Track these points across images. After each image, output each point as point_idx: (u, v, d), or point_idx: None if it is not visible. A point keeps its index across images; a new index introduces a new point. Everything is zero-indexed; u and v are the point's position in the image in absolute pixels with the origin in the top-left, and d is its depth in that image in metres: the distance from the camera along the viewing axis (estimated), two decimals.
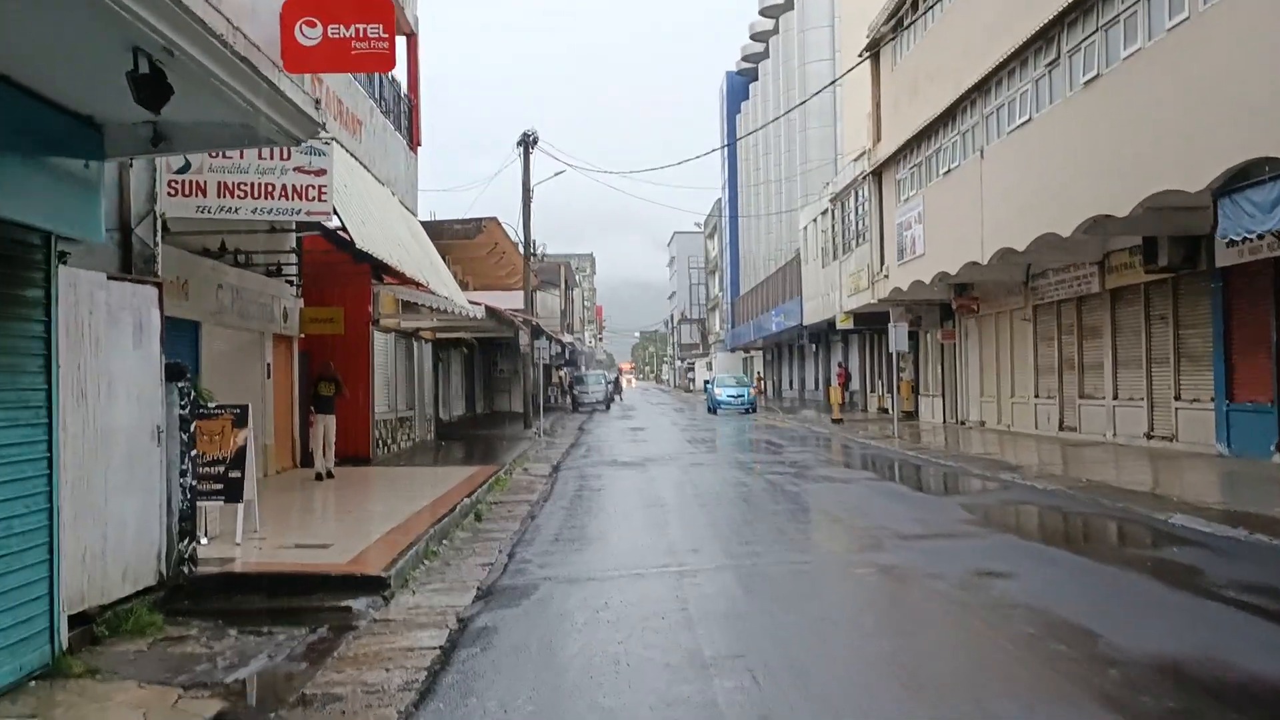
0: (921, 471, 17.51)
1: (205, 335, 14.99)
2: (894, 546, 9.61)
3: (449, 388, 35.99)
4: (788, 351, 60.09)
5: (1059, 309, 23.10)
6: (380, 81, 17.27)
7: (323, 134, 8.16)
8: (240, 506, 10.17)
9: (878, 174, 29.66)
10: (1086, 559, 8.97)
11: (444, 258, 34.08)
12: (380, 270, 19.78)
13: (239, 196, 8.61)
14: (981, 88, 21.10)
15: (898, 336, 25.28)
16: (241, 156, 8.53)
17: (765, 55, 59.92)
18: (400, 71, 19.17)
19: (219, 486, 10.12)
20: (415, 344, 25.84)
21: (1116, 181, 15.48)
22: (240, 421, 10.36)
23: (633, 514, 12.85)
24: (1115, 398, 20.50)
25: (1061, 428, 22.87)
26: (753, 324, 60.26)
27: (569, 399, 54.28)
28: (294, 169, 8.63)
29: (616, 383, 66.57)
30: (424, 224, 30.56)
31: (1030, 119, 18.92)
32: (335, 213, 10.89)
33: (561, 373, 72.02)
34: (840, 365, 43.68)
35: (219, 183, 8.54)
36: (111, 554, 7.47)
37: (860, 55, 29.24)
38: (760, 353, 69.51)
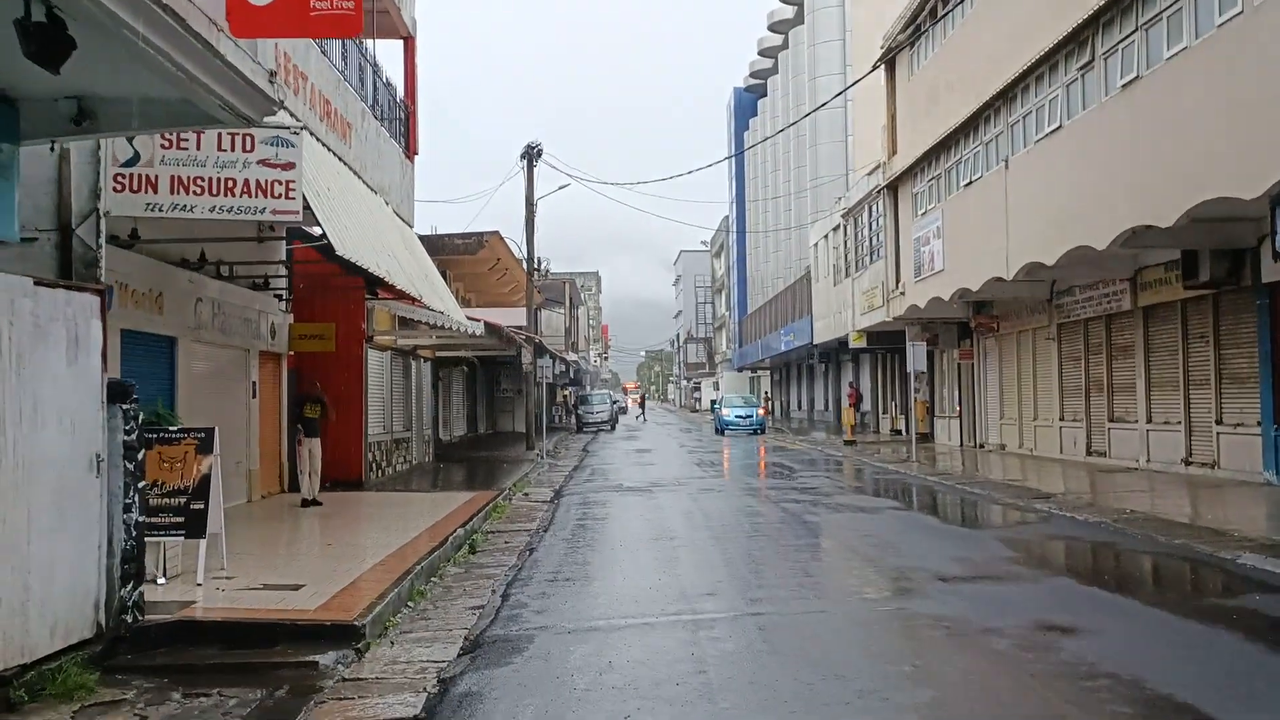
0: (947, 500, 16.41)
1: (183, 352, 14.01)
2: (936, 592, 8.52)
3: (450, 408, 34.97)
4: (796, 371, 59.00)
5: (1086, 328, 22.03)
6: (374, 85, 16.34)
7: (291, 121, 7.18)
8: (202, 543, 9.11)
9: (893, 188, 28.67)
10: (1161, 610, 7.86)
11: (445, 274, 33.13)
12: (374, 284, 18.82)
13: (195, 193, 7.59)
14: (1006, 95, 20.12)
15: (915, 356, 24.22)
16: (199, 147, 7.53)
17: (774, 71, 59.14)
18: (396, 76, 18.25)
19: (179, 520, 9.07)
20: (413, 362, 24.83)
21: (1159, 190, 14.44)
22: (205, 447, 9.32)
23: (639, 548, 11.76)
24: (1149, 421, 19.39)
25: (1089, 452, 21.75)
26: (760, 343, 59.21)
27: (574, 419, 53.21)
28: (259, 162, 7.62)
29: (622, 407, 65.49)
30: (423, 238, 29.59)
31: (1060, 126, 17.91)
32: (315, 218, 9.89)
33: (566, 392, 71.03)
34: (851, 385, 42.52)
35: (172, 177, 7.54)
36: (36, 605, 6.42)
37: (875, 65, 28.28)
38: (768, 372, 68.42)
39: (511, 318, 32.58)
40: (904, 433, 36.05)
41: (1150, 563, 10.33)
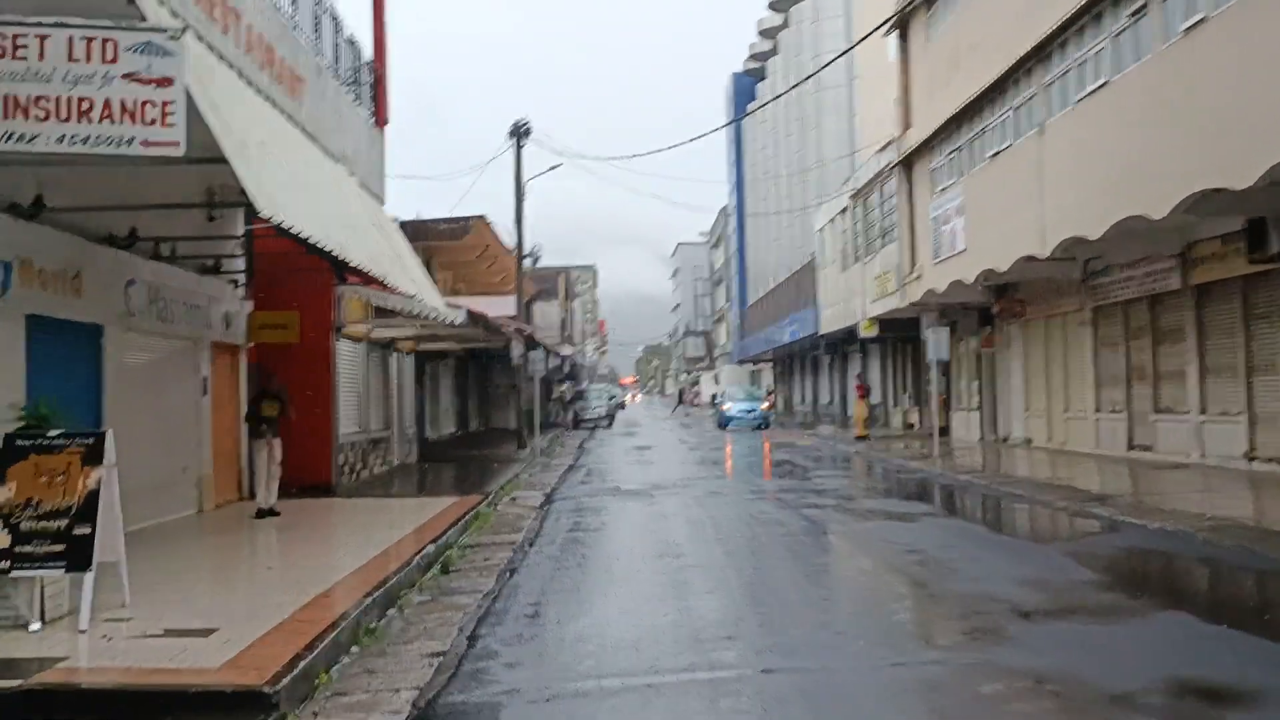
0: (987, 503, 14.54)
1: (110, 342, 12.10)
2: (1022, 633, 6.65)
3: (437, 404, 33.08)
4: (799, 363, 57.09)
5: (1125, 310, 20.14)
6: (334, 41, 14.42)
7: (171, 23, 5.27)
8: (88, 576, 7.21)
9: (907, 164, 26.75)
10: None
11: (429, 262, 31.18)
12: (343, 269, 16.93)
13: (38, 118, 5.67)
14: (1041, 53, 18.20)
15: (937, 344, 22.34)
16: (41, 56, 5.60)
17: (774, 52, 57.11)
18: (363, 33, 16.31)
19: (58, 549, 7.15)
20: (393, 356, 22.93)
21: (1234, 147, 12.56)
22: (93, 456, 7.40)
23: (639, 569, 9.88)
24: (1203, 412, 17.51)
25: (1131, 446, 19.88)
26: (762, 335, 57.29)
27: (570, 415, 51.30)
28: (124, 76, 5.69)
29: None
30: (405, 224, 27.68)
31: (1106, 83, 16.00)
32: (237, 171, 7.98)
33: (563, 387, 69.07)
34: (859, 378, 40.56)
35: (6, 97, 5.64)
36: None
37: (885, 31, 26.35)
38: (770, 365, 66.50)
39: (503, 308, 30.68)
40: (917, 427, 34.22)
41: (1276, 586, 8.46)
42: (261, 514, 13.88)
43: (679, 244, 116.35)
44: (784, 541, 11.14)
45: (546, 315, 52.34)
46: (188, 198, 13.85)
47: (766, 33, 61.04)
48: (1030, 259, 19.26)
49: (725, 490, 17.00)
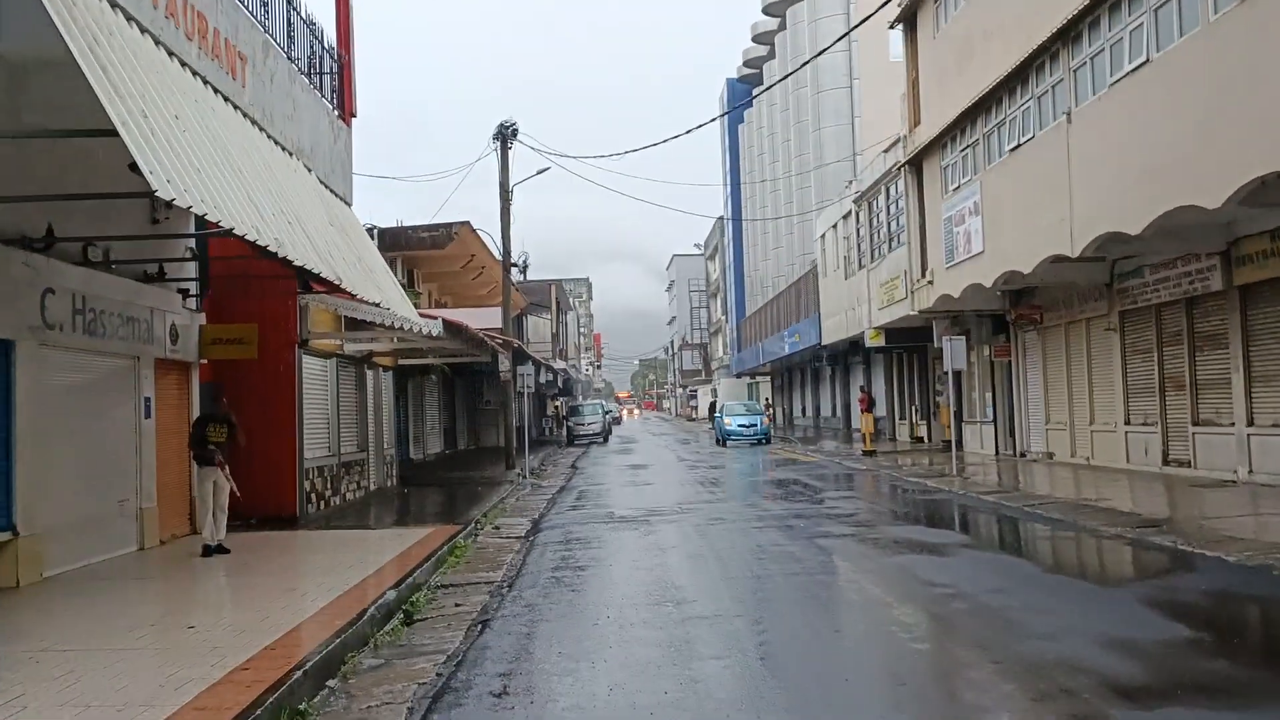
0: (1026, 531, 12.96)
1: (25, 359, 10.52)
2: None
3: (422, 423, 31.48)
4: (799, 375, 55.58)
5: (1158, 314, 18.63)
6: (287, 19, 12.89)
7: None
8: None
9: (916, 164, 25.26)
10: None
11: (412, 274, 29.65)
12: (307, 277, 15.37)
13: None
14: (1067, 34, 16.71)
15: (953, 352, 20.78)
16: None
17: (770, 56, 55.76)
18: (326, 18, 14.81)
19: None
20: (369, 372, 21.34)
21: None
22: None
23: (633, 621, 8.29)
24: (1250, 424, 15.98)
25: (1166, 461, 18.34)
26: (760, 347, 55.76)
27: (564, 431, 49.68)
28: None
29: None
30: (384, 232, 26.17)
31: (1147, 61, 14.49)
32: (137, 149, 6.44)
33: (557, 403, 67.43)
34: (863, 390, 39.02)
35: None
36: None
37: (891, 24, 24.95)
38: (768, 377, 64.95)
39: (492, 321, 29.09)
40: (926, 440, 32.65)
41: None
42: (208, 552, 12.30)
43: (674, 256, 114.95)
44: (801, 583, 9.55)
45: (538, 329, 50.84)
46: (129, 204, 12.34)
47: (761, 38, 59.73)
48: (1058, 259, 17.74)
49: (728, 516, 15.41)
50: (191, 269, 14.77)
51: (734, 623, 8.02)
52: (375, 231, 25.70)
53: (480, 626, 8.58)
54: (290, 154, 12.45)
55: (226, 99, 10.39)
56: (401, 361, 24.07)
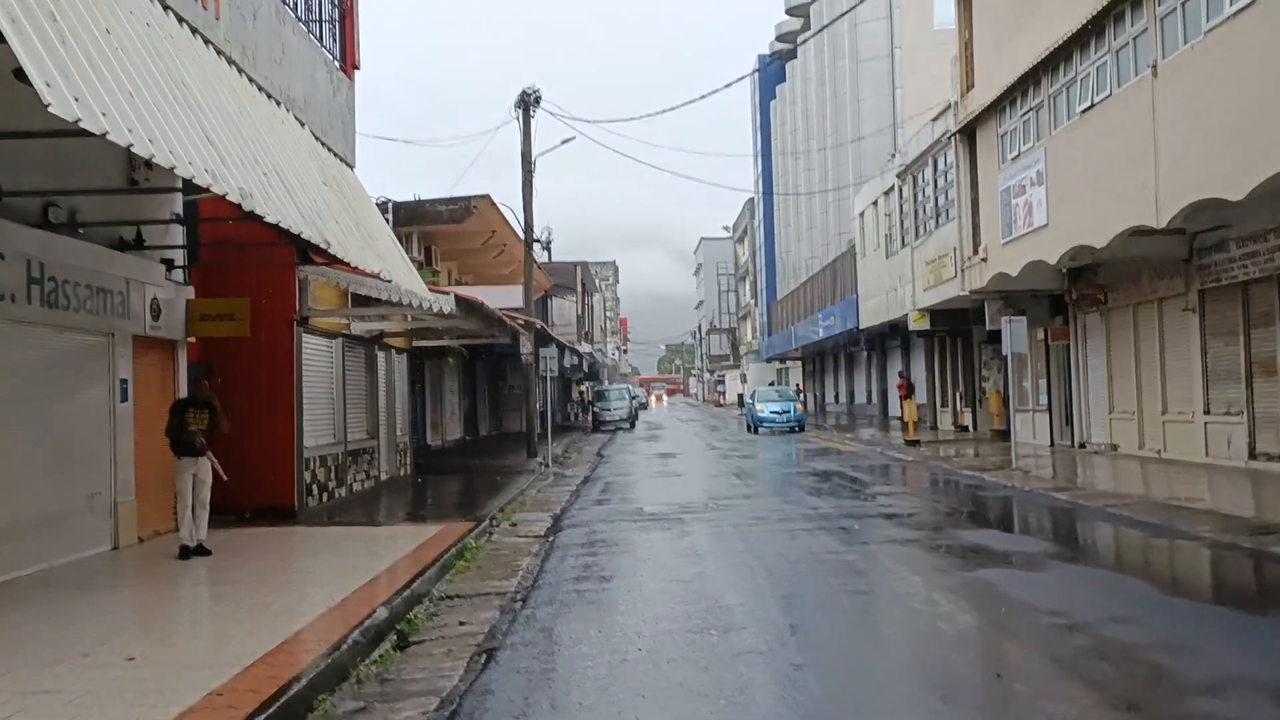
0: (1121, 539, 11.28)
1: None
2: None
3: (440, 408, 30.06)
4: (832, 360, 53.75)
5: (1246, 293, 16.81)
6: None
7: None
8: None
9: (969, 131, 23.45)
10: None
11: (429, 251, 28.17)
12: (307, 248, 13.92)
13: None
14: None
15: (1014, 335, 19.09)
16: None
17: (805, 29, 53.66)
18: None
19: None
20: (380, 354, 19.90)
21: None
22: None
23: (670, 656, 6.75)
24: None
25: (1254, 455, 16.55)
26: (791, 331, 53.96)
27: (590, 417, 48.21)
28: None
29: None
30: (399, 205, 24.69)
31: (1253, 0, 12.68)
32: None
33: (583, 388, 65.96)
34: (901, 375, 37.28)
35: None
36: None
37: None
38: (799, 362, 63.12)
39: (513, 301, 27.55)
40: (971, 429, 30.88)
41: None
42: (186, 553, 10.90)
43: (702, 239, 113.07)
44: (869, 604, 7.98)
45: (563, 311, 49.36)
46: (100, 157, 10.92)
47: (795, 10, 57.63)
48: (1138, 232, 15.96)
49: (770, 514, 13.83)
50: (178, 236, 13.35)
51: (794, 661, 6.44)
52: (390, 205, 24.24)
53: (485, 657, 7.09)
54: (278, 103, 10.95)
55: (195, 31, 8.89)
56: (416, 343, 22.63)
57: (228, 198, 6.99)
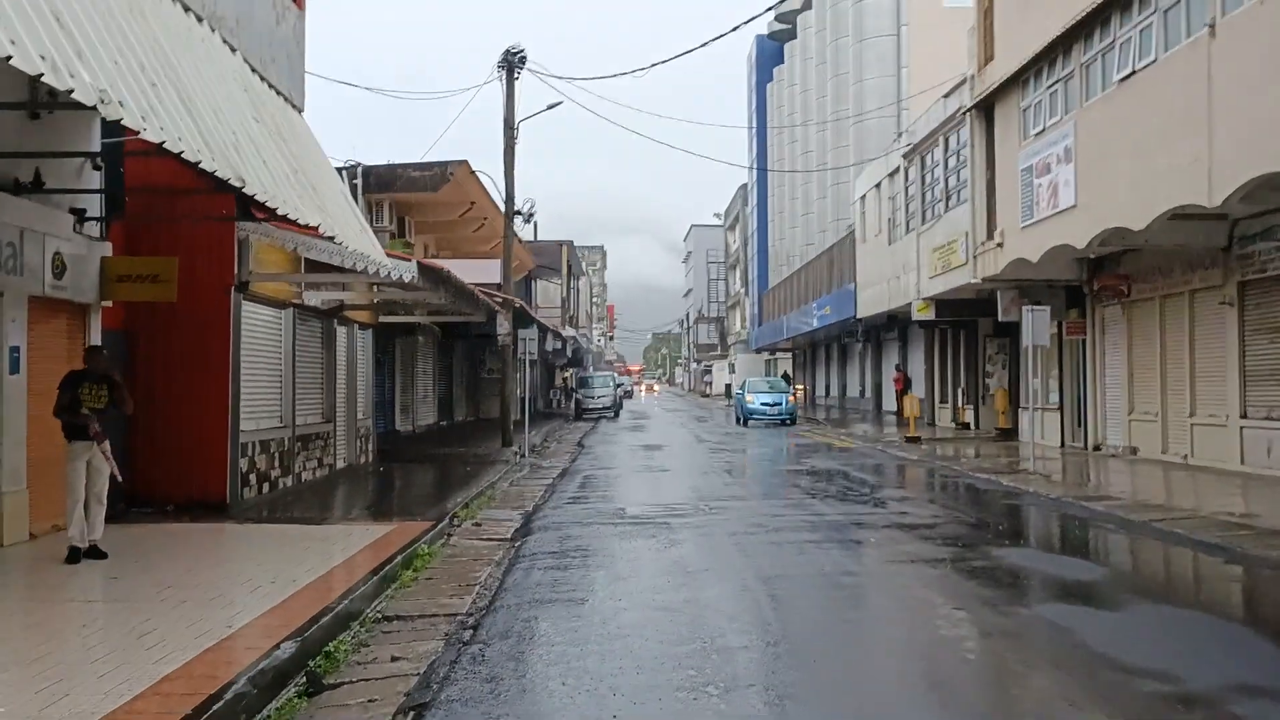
0: (1190, 565, 9.63)
1: None
2: None
3: (412, 391, 28.24)
4: (824, 352, 52.16)
5: None
6: None
7: None
8: None
9: (986, 106, 21.74)
10: None
11: (403, 220, 26.27)
12: (248, 202, 12.08)
13: None
14: None
15: (1035, 326, 17.43)
16: None
17: (806, 7, 51.83)
18: None
19: None
20: (342, 329, 18.11)
21: None
22: None
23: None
24: None
25: None
26: (784, 321, 52.32)
27: (572, 404, 46.46)
28: None
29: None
30: (369, 170, 22.85)
31: None
32: None
33: (567, 374, 64.21)
34: (898, 369, 35.71)
35: None
36: None
37: None
38: (789, 353, 61.52)
39: (493, 277, 25.76)
40: (972, 427, 29.29)
41: None
42: (75, 556, 9.13)
43: (692, 226, 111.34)
44: (913, 652, 6.29)
45: (547, 293, 47.56)
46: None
47: None
48: (1179, 215, 14.32)
49: (769, 520, 12.14)
50: (94, 182, 11.53)
51: None
52: (360, 169, 22.40)
53: (412, 716, 5.37)
54: (199, 19, 9.13)
55: None
56: (383, 319, 20.84)
57: (75, 96, 5.21)
